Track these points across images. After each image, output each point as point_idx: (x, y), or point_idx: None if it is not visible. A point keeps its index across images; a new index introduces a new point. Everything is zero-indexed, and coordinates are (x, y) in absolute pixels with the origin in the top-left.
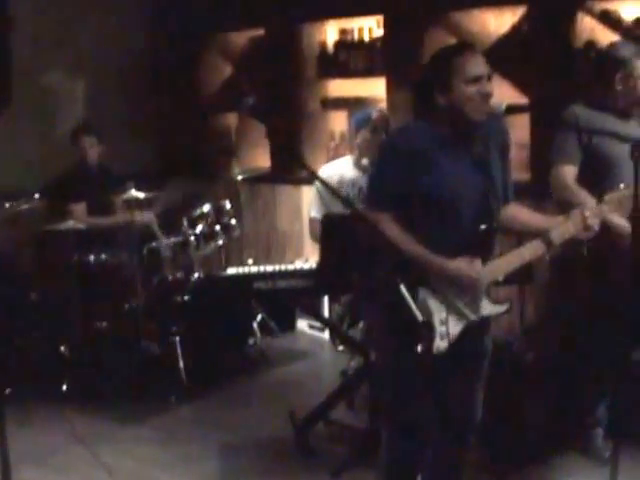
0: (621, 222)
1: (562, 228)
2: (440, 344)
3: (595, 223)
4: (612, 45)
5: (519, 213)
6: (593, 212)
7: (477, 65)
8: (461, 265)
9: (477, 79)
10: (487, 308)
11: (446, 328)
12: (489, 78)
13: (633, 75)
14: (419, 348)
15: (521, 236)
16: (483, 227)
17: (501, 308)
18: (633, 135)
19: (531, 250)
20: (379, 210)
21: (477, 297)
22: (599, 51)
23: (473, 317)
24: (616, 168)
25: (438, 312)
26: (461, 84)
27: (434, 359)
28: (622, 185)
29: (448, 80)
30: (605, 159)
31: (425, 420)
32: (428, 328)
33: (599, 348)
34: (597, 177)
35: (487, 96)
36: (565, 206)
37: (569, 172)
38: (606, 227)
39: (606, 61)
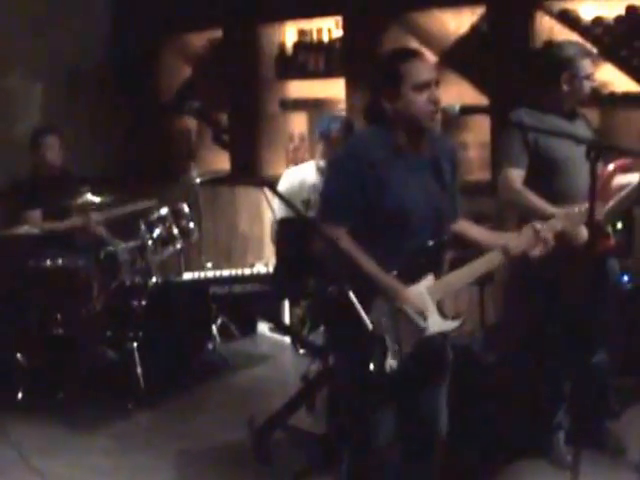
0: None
1: (515, 242)
2: (392, 362)
3: (548, 237)
4: (557, 45)
5: (469, 229)
6: (545, 227)
7: (425, 71)
8: (411, 297)
9: (426, 85)
10: (438, 325)
11: (398, 346)
12: (437, 83)
13: (578, 75)
14: (371, 366)
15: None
16: (431, 243)
17: (454, 324)
18: (582, 136)
19: (484, 264)
20: (334, 224)
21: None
22: (544, 52)
23: (425, 331)
24: (563, 169)
25: (391, 330)
26: (409, 91)
27: (391, 375)
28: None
29: (396, 87)
30: (552, 161)
31: (385, 436)
32: (381, 346)
33: (557, 351)
34: (545, 179)
35: (437, 102)
36: (513, 208)
37: (516, 175)
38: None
39: (552, 61)
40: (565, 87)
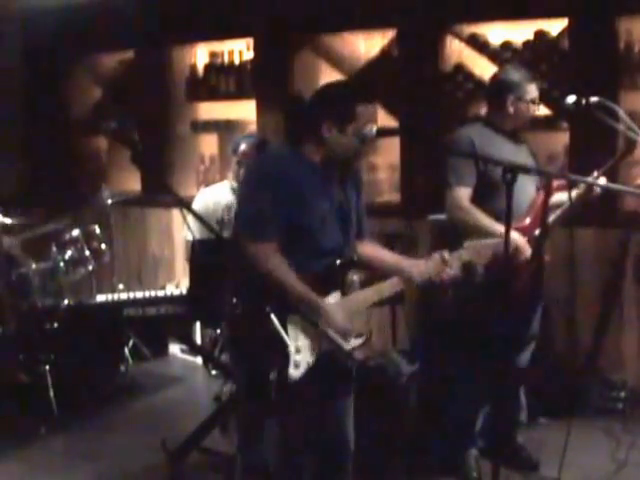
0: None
1: (422, 267)
2: (293, 373)
3: (455, 267)
4: (504, 69)
5: (376, 251)
6: (453, 256)
7: (370, 116)
8: (341, 316)
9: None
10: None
11: (300, 357)
12: None
13: (524, 98)
14: (272, 375)
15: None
16: (339, 262)
17: (358, 341)
18: (523, 160)
19: (390, 287)
20: (263, 241)
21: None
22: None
23: (344, 346)
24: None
25: (293, 340)
26: (353, 132)
27: (293, 386)
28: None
29: (344, 125)
30: (493, 183)
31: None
32: (283, 356)
33: (471, 368)
34: (487, 199)
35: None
36: (459, 225)
37: (464, 193)
38: None
39: (499, 84)
40: (511, 109)
